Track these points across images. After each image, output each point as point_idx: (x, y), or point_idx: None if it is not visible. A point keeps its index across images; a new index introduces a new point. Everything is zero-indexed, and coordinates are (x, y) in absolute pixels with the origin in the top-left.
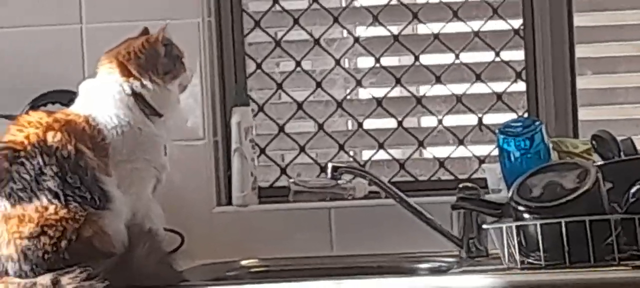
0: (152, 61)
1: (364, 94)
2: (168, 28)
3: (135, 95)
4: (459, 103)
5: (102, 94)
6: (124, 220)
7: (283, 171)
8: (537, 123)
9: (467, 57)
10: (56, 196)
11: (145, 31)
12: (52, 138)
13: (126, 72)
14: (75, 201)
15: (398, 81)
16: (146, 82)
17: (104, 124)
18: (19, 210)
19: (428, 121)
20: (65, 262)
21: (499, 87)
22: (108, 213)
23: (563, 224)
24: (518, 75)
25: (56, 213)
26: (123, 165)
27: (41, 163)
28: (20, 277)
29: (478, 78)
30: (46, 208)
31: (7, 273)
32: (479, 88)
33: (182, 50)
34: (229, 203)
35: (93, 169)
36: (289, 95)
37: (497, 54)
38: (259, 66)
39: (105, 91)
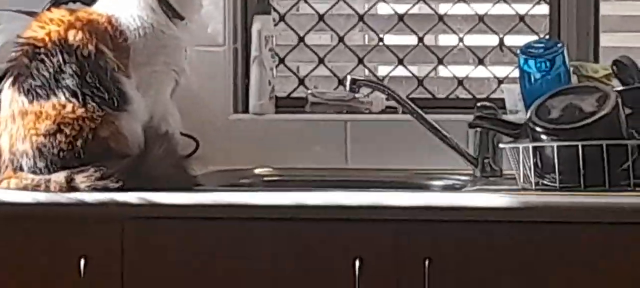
0: None
1: (385, 8)
2: None
3: None
4: (481, 22)
5: None
6: (141, 122)
7: (301, 82)
8: (559, 45)
9: None
10: (74, 95)
11: None
12: (74, 37)
13: None
14: (93, 101)
15: None
16: None
17: (126, 25)
18: (36, 106)
19: (448, 39)
20: (80, 161)
21: (521, 8)
22: (125, 115)
23: (580, 147)
24: None
25: (73, 111)
26: (143, 67)
27: (61, 61)
28: (34, 173)
29: None
30: (64, 106)
31: (21, 169)
32: (502, 8)
33: None
34: (246, 111)
35: (113, 70)
36: (310, 5)
37: None
38: None
39: None
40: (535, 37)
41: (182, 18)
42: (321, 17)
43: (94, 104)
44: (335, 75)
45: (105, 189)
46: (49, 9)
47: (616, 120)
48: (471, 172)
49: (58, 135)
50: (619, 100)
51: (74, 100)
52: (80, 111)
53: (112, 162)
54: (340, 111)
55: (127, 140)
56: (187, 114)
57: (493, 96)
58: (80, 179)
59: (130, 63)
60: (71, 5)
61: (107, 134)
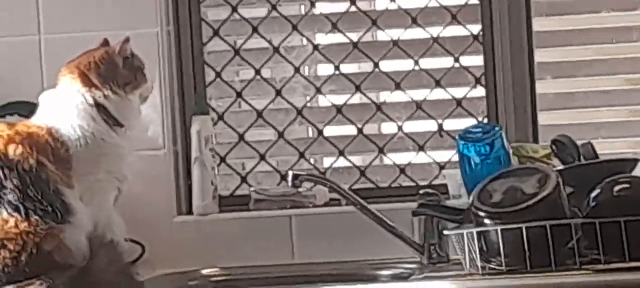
0: (111, 72)
1: (324, 101)
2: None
3: (98, 105)
4: (419, 109)
5: (64, 105)
6: (85, 233)
7: (243, 179)
8: (497, 128)
9: (426, 63)
10: (17, 209)
11: (105, 42)
12: (14, 151)
13: (88, 82)
14: (36, 214)
15: (358, 88)
16: (107, 93)
17: (67, 135)
18: None
19: (388, 127)
20: (25, 275)
21: (458, 92)
22: (69, 227)
23: (524, 229)
24: (477, 81)
25: (17, 226)
26: (86, 177)
27: (2, 176)
28: None
29: (437, 84)
30: (6, 222)
31: None
32: (439, 94)
33: (143, 61)
34: (190, 212)
35: (55, 182)
36: (248, 103)
37: (456, 60)
38: (218, 75)
39: (68, 102)
40: (473, 121)
41: (121, 125)
42: (260, 114)
43: (37, 218)
44: (277, 170)
45: None
46: None
47: (558, 199)
48: (418, 259)
49: (2, 251)
50: (560, 180)
51: (16, 214)
52: (23, 226)
53: (58, 274)
54: (284, 207)
55: (71, 252)
56: (131, 219)
57: (435, 182)
58: None
59: (72, 173)
60: (8, 119)
61: (52, 247)
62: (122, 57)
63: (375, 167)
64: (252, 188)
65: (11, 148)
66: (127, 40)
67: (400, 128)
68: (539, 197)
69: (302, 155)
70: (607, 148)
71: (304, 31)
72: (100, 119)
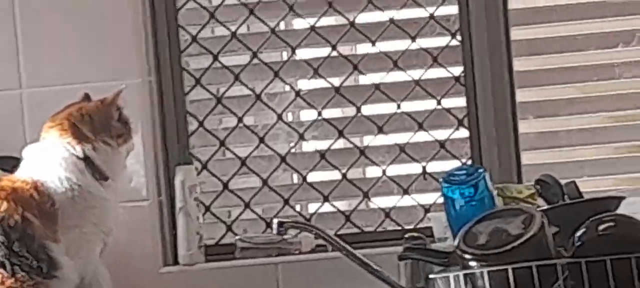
0: (105, 123)
1: (308, 147)
2: (108, 89)
3: (86, 158)
4: (403, 152)
5: (50, 158)
6: (72, 287)
7: (229, 228)
8: (481, 170)
9: (408, 106)
10: (2, 266)
11: (87, 97)
12: None
13: (78, 135)
14: (23, 270)
15: (341, 133)
16: (98, 145)
17: (53, 189)
18: None
19: (372, 172)
20: None
21: (441, 135)
22: (55, 281)
23: (510, 270)
24: (460, 123)
25: (2, 283)
26: (72, 230)
27: None
28: None
29: (420, 127)
30: None
31: None
32: (422, 137)
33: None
34: (176, 262)
35: (41, 237)
36: (232, 151)
37: (439, 102)
38: (201, 124)
39: (55, 154)
40: (457, 162)
41: (107, 178)
42: (243, 162)
43: (23, 274)
44: (262, 218)
45: None
46: None
47: (543, 240)
48: None
49: None
50: (545, 220)
51: (2, 271)
52: (9, 282)
53: None
54: (270, 254)
55: None
56: (117, 271)
57: (421, 225)
58: None
59: (58, 227)
60: None
61: None
62: (118, 108)
63: (360, 212)
64: (237, 237)
65: None
66: (121, 91)
67: (384, 172)
68: (525, 238)
69: (286, 202)
70: (592, 186)
71: (286, 77)
72: (87, 172)
